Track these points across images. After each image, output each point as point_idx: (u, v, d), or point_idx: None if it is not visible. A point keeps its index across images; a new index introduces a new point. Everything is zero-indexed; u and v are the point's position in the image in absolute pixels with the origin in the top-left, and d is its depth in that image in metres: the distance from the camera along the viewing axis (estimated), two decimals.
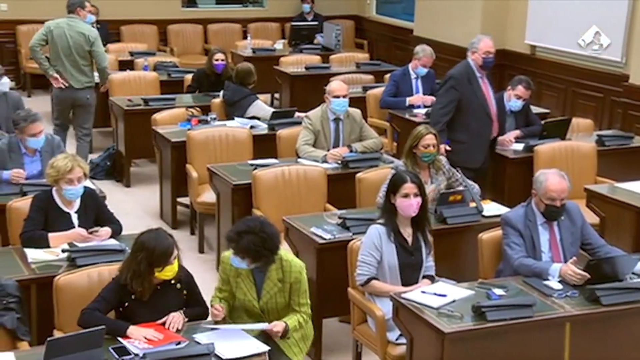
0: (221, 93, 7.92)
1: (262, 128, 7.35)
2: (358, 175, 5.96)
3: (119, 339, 3.90)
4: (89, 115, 8.27)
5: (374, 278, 4.61)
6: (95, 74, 8.27)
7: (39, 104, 10.22)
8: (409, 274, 4.64)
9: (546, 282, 4.52)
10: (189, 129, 7.05)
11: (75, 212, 4.96)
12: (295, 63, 10.23)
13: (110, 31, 11.44)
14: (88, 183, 5.16)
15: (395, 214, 4.65)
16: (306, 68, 9.95)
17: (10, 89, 7.39)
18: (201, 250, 6.85)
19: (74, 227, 4.91)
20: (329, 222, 5.35)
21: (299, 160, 6.45)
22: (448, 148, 6.48)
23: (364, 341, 4.81)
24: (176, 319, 4.06)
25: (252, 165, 6.31)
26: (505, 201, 6.02)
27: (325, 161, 6.41)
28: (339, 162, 6.43)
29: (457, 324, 4.07)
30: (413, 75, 8.34)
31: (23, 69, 11.45)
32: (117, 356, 3.78)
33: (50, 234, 4.81)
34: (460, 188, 5.67)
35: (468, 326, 4.08)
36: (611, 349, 4.39)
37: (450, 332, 4.01)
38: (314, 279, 5.03)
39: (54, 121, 8.55)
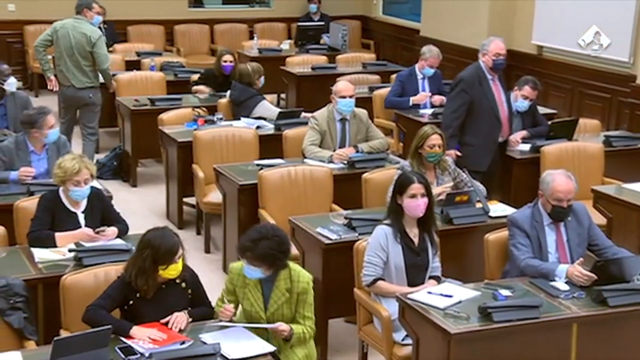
0: (228, 93, 7.92)
1: (269, 128, 7.35)
2: (364, 175, 5.95)
3: (123, 339, 3.90)
4: (93, 115, 8.29)
5: (380, 279, 4.60)
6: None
7: (46, 103, 9.97)
8: (415, 275, 4.64)
9: (553, 283, 4.51)
10: (195, 129, 7.05)
11: (82, 212, 4.97)
12: (301, 63, 10.22)
13: (117, 31, 11.47)
14: (95, 183, 5.16)
15: (402, 214, 4.65)
16: (312, 68, 9.94)
17: (18, 89, 7.40)
18: (207, 250, 6.85)
19: (80, 227, 4.91)
20: (335, 222, 5.34)
21: (305, 160, 6.44)
22: (459, 154, 6.46)
23: (369, 342, 4.80)
24: (179, 318, 4.06)
25: (258, 165, 6.31)
26: (511, 202, 6.02)
27: (331, 161, 6.40)
28: (345, 162, 6.42)
29: (464, 324, 4.07)
30: (419, 76, 8.31)
31: (30, 69, 11.45)
32: (123, 356, 3.78)
33: (57, 234, 4.82)
34: (466, 189, 5.67)
35: (474, 327, 4.07)
36: (618, 350, 4.38)
37: (456, 332, 4.01)
38: (320, 279, 5.03)
39: (60, 120, 8.56)
